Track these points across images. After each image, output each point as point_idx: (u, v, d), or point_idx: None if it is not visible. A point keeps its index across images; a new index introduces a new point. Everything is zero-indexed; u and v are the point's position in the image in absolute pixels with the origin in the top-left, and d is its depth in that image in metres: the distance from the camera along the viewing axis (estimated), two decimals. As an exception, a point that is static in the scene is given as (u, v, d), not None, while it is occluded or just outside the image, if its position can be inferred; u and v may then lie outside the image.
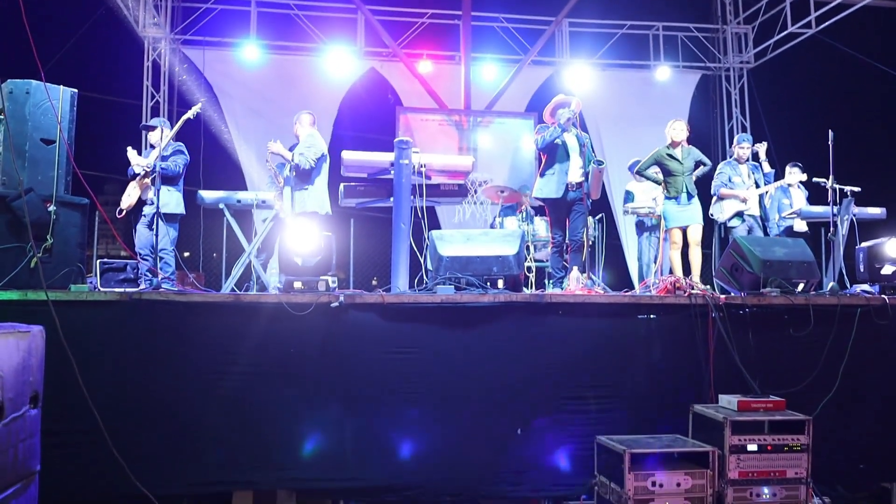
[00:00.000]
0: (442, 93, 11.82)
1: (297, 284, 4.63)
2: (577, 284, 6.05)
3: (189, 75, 11.34)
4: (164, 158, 6.71)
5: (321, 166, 6.93)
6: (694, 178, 7.23)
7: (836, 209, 6.73)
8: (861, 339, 4.92)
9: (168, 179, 6.79)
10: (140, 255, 6.84)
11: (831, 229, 6.48)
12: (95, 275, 6.35)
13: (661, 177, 7.30)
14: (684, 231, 7.15)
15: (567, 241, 6.73)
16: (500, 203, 8.58)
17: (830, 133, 6.05)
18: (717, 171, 7.96)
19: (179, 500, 4.44)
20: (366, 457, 4.46)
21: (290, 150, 6.87)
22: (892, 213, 8.08)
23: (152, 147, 7.09)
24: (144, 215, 6.95)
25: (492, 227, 8.64)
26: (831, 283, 5.67)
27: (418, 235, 5.83)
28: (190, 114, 6.83)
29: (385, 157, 6.02)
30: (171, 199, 6.88)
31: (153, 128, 7.03)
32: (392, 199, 5.94)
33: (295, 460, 4.42)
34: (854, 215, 7.40)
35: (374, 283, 11.33)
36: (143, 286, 6.18)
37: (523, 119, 11.95)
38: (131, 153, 6.90)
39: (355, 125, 11.62)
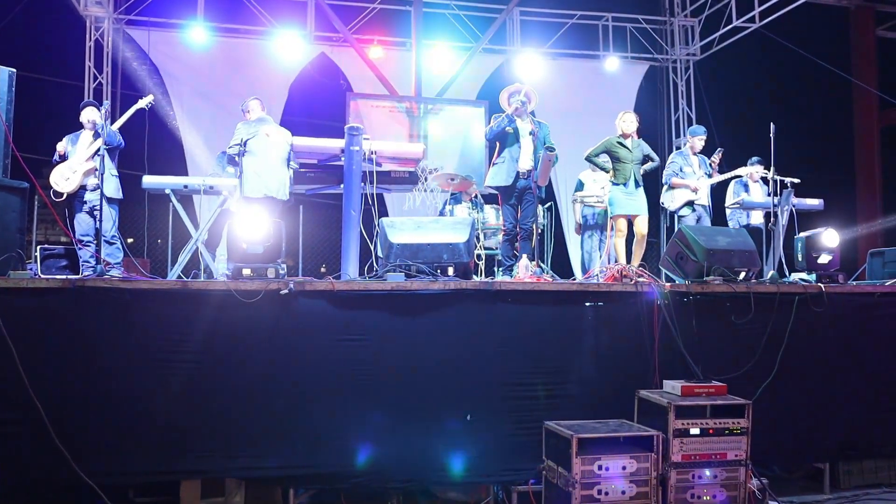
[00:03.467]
0: (393, 79, 11.76)
1: (246, 271, 4.57)
2: (526, 272, 6.11)
3: (134, 56, 11.05)
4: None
5: (247, 150, 6.81)
6: (642, 172, 7.37)
7: (776, 200, 6.93)
8: (798, 326, 5.09)
9: (108, 157, 6.68)
10: (82, 241, 6.69)
11: (772, 219, 6.68)
12: (35, 261, 6.18)
13: (609, 165, 7.41)
14: (630, 221, 7.28)
15: (517, 229, 6.80)
16: (450, 191, 8.59)
17: (772, 125, 6.21)
18: (668, 161, 8.12)
19: (124, 490, 4.37)
20: (316, 444, 4.45)
21: None
22: (829, 205, 8.35)
23: (82, 127, 6.93)
24: (85, 202, 6.79)
25: (441, 214, 8.66)
26: (771, 272, 5.84)
27: (368, 222, 5.82)
28: (142, 104, 6.72)
29: (335, 144, 5.98)
30: (111, 185, 6.75)
31: (98, 105, 6.85)
32: (342, 185, 5.91)
33: (244, 448, 4.39)
34: (793, 206, 7.62)
35: (322, 270, 11.27)
36: (86, 273, 6.05)
37: (474, 107, 11.95)
38: (66, 143, 6.79)
39: (305, 111, 11.48)
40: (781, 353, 5.02)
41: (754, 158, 8.56)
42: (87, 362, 4.24)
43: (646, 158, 7.42)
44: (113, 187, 6.81)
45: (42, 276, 5.35)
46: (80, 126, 6.98)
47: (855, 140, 13.76)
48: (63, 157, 6.81)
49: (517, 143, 6.71)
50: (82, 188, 6.78)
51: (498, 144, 6.89)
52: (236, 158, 6.77)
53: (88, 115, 6.92)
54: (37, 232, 9.46)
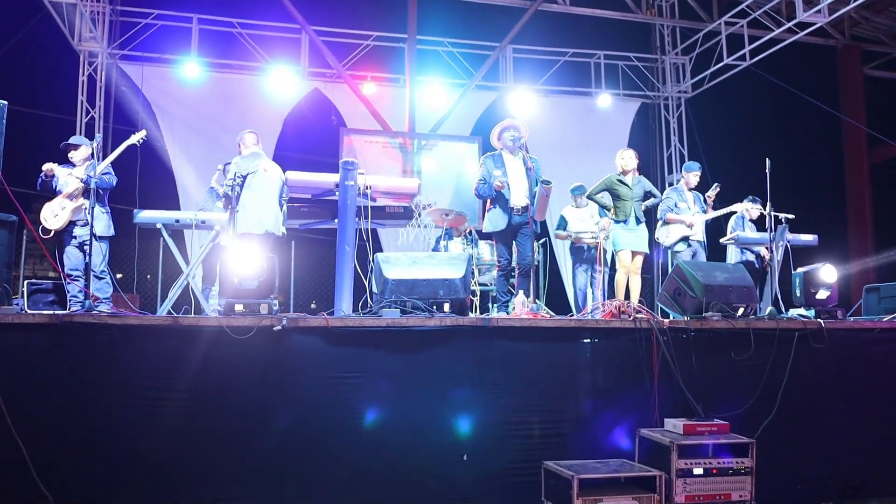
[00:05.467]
0: (386, 115, 11.79)
1: (239, 307, 4.48)
2: (522, 308, 6.04)
3: (126, 91, 11.05)
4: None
5: (245, 184, 6.70)
6: (643, 208, 7.35)
7: (772, 235, 6.91)
8: (799, 362, 5.02)
9: (99, 196, 6.56)
10: (70, 276, 6.57)
11: (767, 255, 6.64)
12: (23, 296, 6.07)
13: (610, 202, 7.40)
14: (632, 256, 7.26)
15: (514, 265, 6.73)
16: (444, 226, 8.55)
17: (767, 161, 6.21)
18: (663, 196, 8.12)
19: (109, 533, 4.22)
20: (308, 482, 4.33)
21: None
22: (821, 240, 8.35)
23: (71, 164, 6.82)
24: (75, 237, 6.69)
25: (436, 250, 8.60)
26: (769, 308, 5.79)
27: (362, 258, 5.75)
28: (134, 139, 6.58)
29: (330, 178, 5.92)
30: (101, 222, 6.63)
31: (77, 146, 6.76)
32: (336, 220, 5.84)
33: (233, 487, 4.25)
34: (788, 241, 7.60)
35: (313, 306, 11.14)
36: (74, 308, 5.94)
37: (468, 143, 12.00)
38: (57, 168, 6.65)
39: (298, 146, 11.47)
40: (782, 390, 4.94)
41: (750, 197, 8.57)
42: (73, 400, 4.12)
43: (647, 195, 7.41)
44: (103, 225, 6.68)
45: (29, 311, 5.24)
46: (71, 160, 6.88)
47: (845, 176, 13.85)
48: (49, 177, 6.66)
49: (507, 190, 6.60)
50: (71, 223, 6.67)
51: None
52: (230, 193, 6.65)
53: (75, 157, 6.81)
54: (25, 266, 9.34)
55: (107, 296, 6.61)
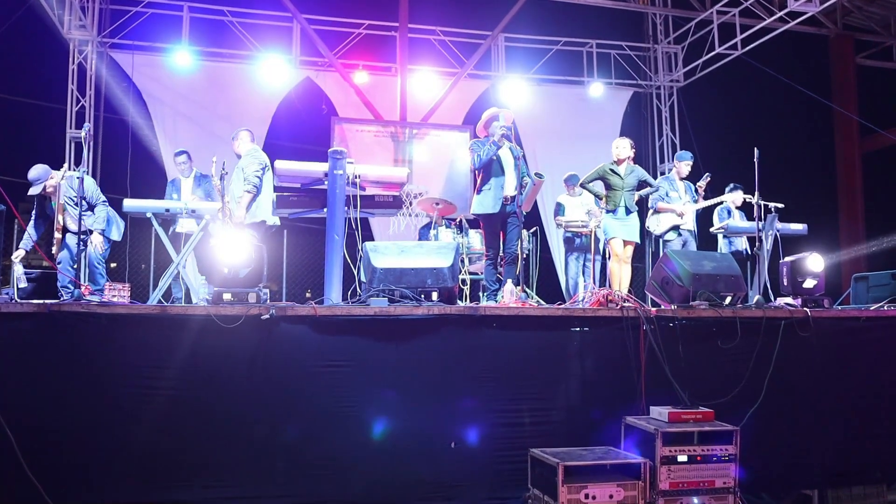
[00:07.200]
0: (378, 104, 11.77)
1: (227, 296, 4.50)
2: (511, 297, 6.06)
3: (117, 80, 10.99)
4: (91, 207, 6.53)
5: (264, 177, 6.96)
6: (637, 197, 7.35)
7: (761, 224, 6.93)
8: (785, 350, 5.06)
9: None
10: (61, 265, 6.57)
11: (756, 244, 6.68)
12: (13, 285, 6.07)
13: (602, 191, 7.41)
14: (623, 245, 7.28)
15: (501, 254, 6.75)
16: (434, 215, 8.56)
17: (756, 151, 6.22)
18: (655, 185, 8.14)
19: (99, 522, 4.25)
20: (296, 472, 4.36)
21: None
22: (812, 230, 8.38)
23: (45, 191, 6.62)
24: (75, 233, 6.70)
25: (426, 238, 8.62)
26: (757, 297, 5.82)
27: (352, 247, 5.76)
28: (57, 178, 6.37)
29: (319, 167, 5.92)
30: (111, 228, 6.76)
31: (42, 185, 6.54)
32: (326, 209, 5.85)
33: (222, 477, 4.28)
34: (777, 231, 7.63)
35: (307, 295, 11.16)
36: (64, 298, 5.94)
37: (459, 132, 11.99)
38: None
39: (289, 135, 11.46)
40: (768, 379, 4.98)
41: (731, 185, 8.60)
42: (62, 390, 4.13)
43: (641, 184, 7.40)
44: (112, 230, 6.81)
45: (18, 300, 5.23)
46: (57, 162, 6.81)
47: (837, 166, 13.88)
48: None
49: (502, 170, 6.65)
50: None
51: (482, 173, 6.82)
52: (256, 181, 6.82)
53: (50, 183, 6.58)
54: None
55: (99, 286, 6.62)
